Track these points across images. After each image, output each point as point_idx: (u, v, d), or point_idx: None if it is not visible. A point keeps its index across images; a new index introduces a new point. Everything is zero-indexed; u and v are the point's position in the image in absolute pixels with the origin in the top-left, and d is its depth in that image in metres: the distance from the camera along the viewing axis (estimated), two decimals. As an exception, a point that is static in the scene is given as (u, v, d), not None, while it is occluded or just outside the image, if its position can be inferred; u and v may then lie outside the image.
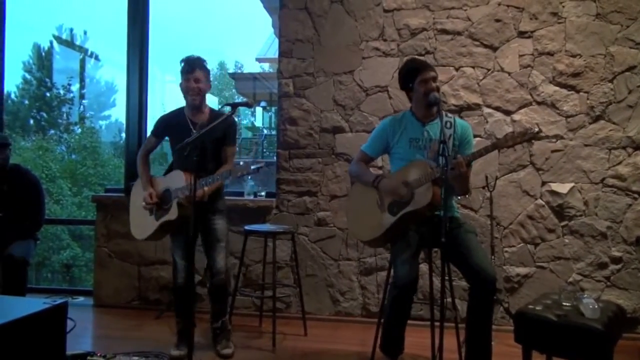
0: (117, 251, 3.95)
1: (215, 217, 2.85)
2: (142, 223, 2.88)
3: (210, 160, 2.83)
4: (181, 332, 2.87)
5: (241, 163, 2.48)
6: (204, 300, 3.72)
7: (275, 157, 3.92)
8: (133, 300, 3.92)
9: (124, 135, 4.83)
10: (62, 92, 15.49)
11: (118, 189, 4.14)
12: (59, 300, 1.86)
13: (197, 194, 2.58)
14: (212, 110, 2.90)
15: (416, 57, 2.79)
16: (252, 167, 2.43)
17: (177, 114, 2.91)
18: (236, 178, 2.52)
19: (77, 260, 10.80)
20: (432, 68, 2.57)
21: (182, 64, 2.83)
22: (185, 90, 2.81)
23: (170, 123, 2.89)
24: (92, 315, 3.80)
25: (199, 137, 2.40)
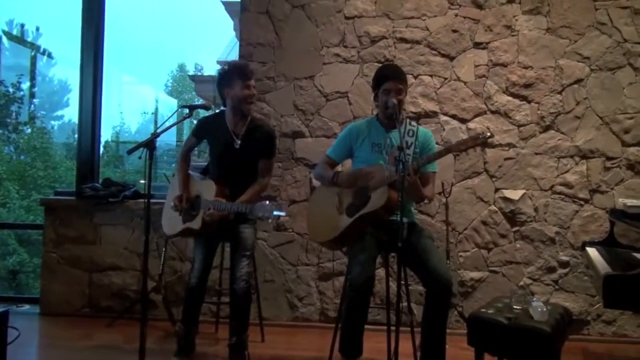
0: (67, 257, 3.79)
1: (244, 225, 2.80)
2: (172, 220, 2.86)
3: (247, 173, 2.79)
4: (182, 340, 2.78)
5: (267, 202, 2.45)
6: (157, 308, 3.62)
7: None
8: (83, 308, 3.76)
9: (77, 136, 4.67)
10: (11, 90, 14.77)
11: (69, 192, 3.98)
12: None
13: (221, 213, 2.63)
14: (252, 117, 2.84)
15: (391, 64, 2.79)
16: (275, 213, 2.41)
17: (219, 119, 2.82)
18: (254, 216, 2.52)
19: (24, 267, 10.30)
20: (400, 79, 2.59)
21: (237, 71, 2.72)
22: (243, 97, 2.72)
23: (212, 127, 2.83)
24: (38, 324, 3.63)
25: (152, 139, 2.32)
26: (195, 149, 3.09)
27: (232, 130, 2.78)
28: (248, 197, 2.69)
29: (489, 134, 2.32)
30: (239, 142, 2.75)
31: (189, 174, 2.90)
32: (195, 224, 2.71)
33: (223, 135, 2.78)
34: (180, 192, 2.82)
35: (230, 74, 2.74)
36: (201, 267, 2.77)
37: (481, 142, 2.31)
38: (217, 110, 2.91)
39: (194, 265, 2.81)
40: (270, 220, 2.46)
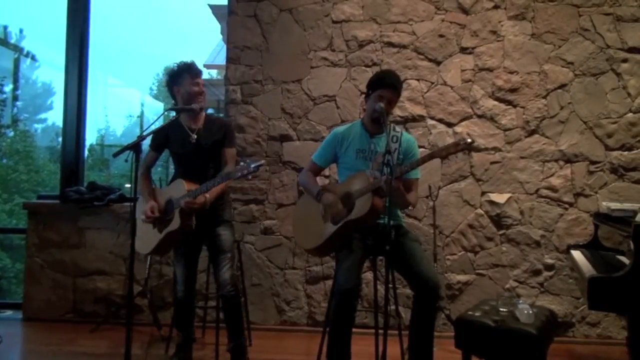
0: (50, 261, 3.73)
1: (221, 227, 2.75)
2: (145, 236, 2.76)
3: (210, 166, 2.75)
4: (180, 346, 2.79)
5: (242, 163, 2.41)
6: (143, 312, 3.59)
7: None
8: (67, 313, 3.71)
9: (61, 139, 4.61)
10: (-7, 92, 14.53)
11: (52, 196, 3.93)
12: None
13: (198, 201, 2.56)
14: (206, 114, 2.84)
15: (393, 73, 2.73)
16: (252, 165, 2.34)
17: (173, 123, 2.80)
18: (237, 178, 2.43)
19: (6, 272, 10.13)
20: (397, 91, 2.58)
21: (186, 69, 2.71)
22: (192, 94, 2.70)
23: (167, 133, 2.80)
24: (21, 329, 3.57)
25: (138, 142, 2.30)
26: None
27: (187, 126, 2.76)
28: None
29: (469, 140, 2.32)
30: (194, 136, 2.72)
31: (153, 188, 2.84)
32: (174, 224, 2.63)
33: (179, 134, 2.76)
34: (148, 205, 2.72)
35: (179, 72, 2.74)
36: (185, 280, 2.74)
37: (462, 148, 2.32)
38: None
39: (177, 278, 2.77)
40: (249, 178, 2.42)
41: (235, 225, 2.98)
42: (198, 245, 2.82)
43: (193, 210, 2.59)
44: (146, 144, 2.80)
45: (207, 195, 2.59)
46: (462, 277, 3.52)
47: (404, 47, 3.59)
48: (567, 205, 3.48)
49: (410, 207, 2.70)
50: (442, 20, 3.57)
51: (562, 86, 3.50)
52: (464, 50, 3.56)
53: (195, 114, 2.76)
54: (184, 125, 2.77)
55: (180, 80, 2.72)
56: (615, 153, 3.45)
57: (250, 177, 2.43)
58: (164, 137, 2.82)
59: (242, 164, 2.39)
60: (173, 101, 2.83)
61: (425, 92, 3.58)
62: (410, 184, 2.60)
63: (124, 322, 2.34)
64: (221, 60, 5.20)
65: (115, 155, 2.33)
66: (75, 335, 3.36)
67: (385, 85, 2.57)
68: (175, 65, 2.76)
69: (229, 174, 2.47)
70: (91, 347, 3.15)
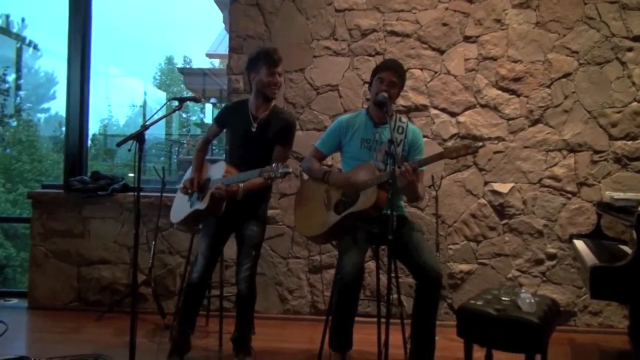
0: (55, 250, 3.75)
1: (252, 222, 2.71)
2: (180, 207, 2.81)
3: (259, 158, 2.66)
4: (176, 341, 2.68)
5: (274, 165, 2.40)
6: (147, 301, 3.62)
7: (224, 155, 3.86)
8: (71, 302, 3.74)
9: (64, 129, 4.62)
10: (-4, 82, 14.53)
11: (56, 185, 3.94)
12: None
13: (229, 188, 2.55)
14: (275, 106, 2.80)
15: (395, 59, 2.76)
16: (280, 170, 2.35)
17: (241, 104, 2.81)
18: (264, 179, 2.43)
19: (10, 260, 10.20)
20: (396, 72, 2.58)
21: (264, 57, 2.66)
22: (268, 84, 2.66)
23: (233, 113, 2.80)
24: (27, 317, 3.60)
25: (141, 132, 2.30)
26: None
27: (253, 114, 2.73)
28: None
29: (480, 143, 2.36)
30: (255, 125, 2.70)
31: (204, 161, 2.84)
32: (202, 204, 2.63)
33: (242, 119, 2.73)
34: (189, 177, 2.77)
35: (258, 58, 2.69)
36: (203, 263, 2.67)
37: (472, 151, 2.36)
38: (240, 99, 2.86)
39: (196, 260, 2.72)
40: (281, 181, 2.41)
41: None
42: (228, 233, 2.79)
43: (221, 197, 2.57)
44: (149, 134, 2.81)
45: (242, 185, 2.56)
46: (465, 267, 3.53)
47: (407, 36, 3.56)
48: (570, 195, 3.47)
49: (418, 200, 2.70)
50: (446, 9, 3.54)
51: (566, 75, 3.47)
52: (467, 39, 3.53)
53: (264, 100, 2.72)
54: (250, 111, 2.75)
55: (257, 67, 2.68)
56: (619, 142, 3.44)
57: (281, 181, 2.41)
58: (229, 115, 2.82)
59: (273, 165, 2.38)
60: (248, 86, 2.81)
61: (429, 82, 3.56)
62: (417, 176, 2.60)
63: (128, 311, 2.36)
64: (223, 49, 5.20)
65: (119, 144, 2.33)
66: (81, 323, 3.39)
67: (384, 67, 2.60)
68: (256, 50, 2.73)
69: (260, 172, 2.43)
70: (96, 335, 3.18)
